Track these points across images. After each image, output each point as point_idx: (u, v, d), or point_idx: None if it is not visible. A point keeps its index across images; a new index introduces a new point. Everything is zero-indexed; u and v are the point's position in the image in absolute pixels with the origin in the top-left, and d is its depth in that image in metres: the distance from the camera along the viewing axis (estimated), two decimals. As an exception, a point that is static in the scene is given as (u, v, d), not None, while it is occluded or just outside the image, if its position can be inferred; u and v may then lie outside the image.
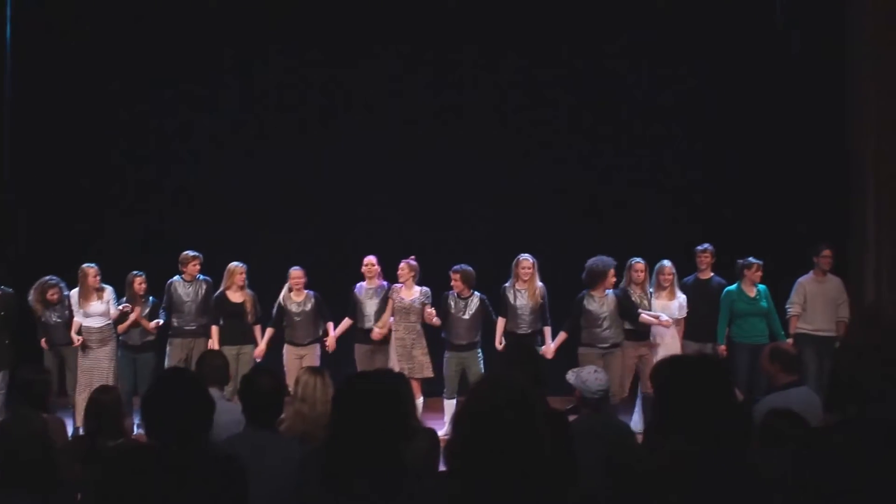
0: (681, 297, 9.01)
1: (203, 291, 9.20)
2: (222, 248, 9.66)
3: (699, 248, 9.28)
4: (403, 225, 10.66)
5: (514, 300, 8.93)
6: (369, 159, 10.77)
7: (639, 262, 8.94)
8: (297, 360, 8.86)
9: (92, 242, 10.20)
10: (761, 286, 8.98)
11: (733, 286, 9.02)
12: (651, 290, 9.00)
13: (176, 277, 9.26)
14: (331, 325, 9.19)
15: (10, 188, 10.48)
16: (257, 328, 9.18)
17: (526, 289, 8.91)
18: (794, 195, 10.30)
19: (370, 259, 9.20)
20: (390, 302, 9.01)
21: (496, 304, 9.05)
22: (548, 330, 8.95)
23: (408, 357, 8.89)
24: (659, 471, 2.69)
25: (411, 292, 9.00)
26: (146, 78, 10.61)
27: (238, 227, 10.44)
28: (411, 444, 2.99)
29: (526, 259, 8.97)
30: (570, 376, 4.93)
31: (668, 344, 8.80)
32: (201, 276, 9.27)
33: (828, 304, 8.94)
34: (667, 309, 8.88)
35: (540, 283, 8.98)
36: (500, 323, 8.99)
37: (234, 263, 9.13)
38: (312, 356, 9.03)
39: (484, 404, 2.57)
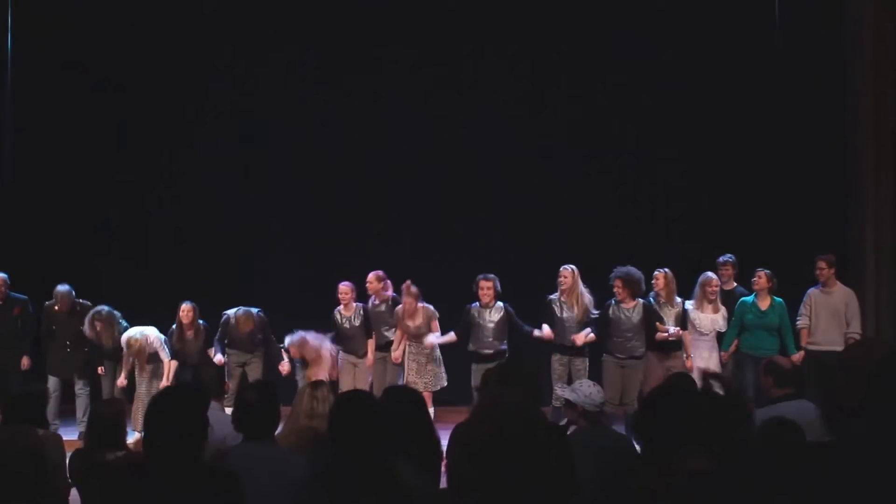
0: (724, 310, 8.78)
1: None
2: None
3: (720, 259, 9.11)
4: (404, 226, 10.73)
5: (561, 312, 8.56)
6: (369, 161, 10.85)
7: (658, 272, 8.66)
8: (352, 367, 9.08)
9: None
10: (778, 300, 8.75)
11: (749, 297, 8.83)
12: (693, 301, 8.72)
13: None
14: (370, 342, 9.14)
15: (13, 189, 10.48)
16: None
17: (571, 300, 8.50)
18: (795, 204, 10.30)
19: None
20: (398, 331, 8.87)
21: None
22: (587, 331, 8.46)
23: (423, 372, 8.76)
24: (663, 491, 2.66)
25: (416, 318, 8.75)
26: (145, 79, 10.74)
27: (234, 242, 10.41)
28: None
29: (565, 269, 8.54)
30: (566, 392, 4.79)
31: (706, 358, 8.58)
32: None
33: (832, 316, 8.68)
34: (715, 323, 8.68)
35: (587, 296, 8.57)
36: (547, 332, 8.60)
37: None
38: (364, 367, 9.10)
39: (487, 423, 2.54)
